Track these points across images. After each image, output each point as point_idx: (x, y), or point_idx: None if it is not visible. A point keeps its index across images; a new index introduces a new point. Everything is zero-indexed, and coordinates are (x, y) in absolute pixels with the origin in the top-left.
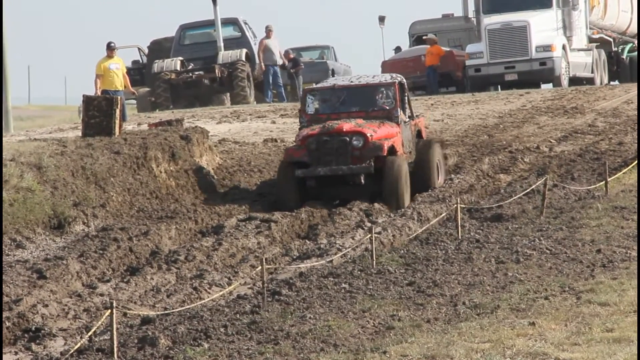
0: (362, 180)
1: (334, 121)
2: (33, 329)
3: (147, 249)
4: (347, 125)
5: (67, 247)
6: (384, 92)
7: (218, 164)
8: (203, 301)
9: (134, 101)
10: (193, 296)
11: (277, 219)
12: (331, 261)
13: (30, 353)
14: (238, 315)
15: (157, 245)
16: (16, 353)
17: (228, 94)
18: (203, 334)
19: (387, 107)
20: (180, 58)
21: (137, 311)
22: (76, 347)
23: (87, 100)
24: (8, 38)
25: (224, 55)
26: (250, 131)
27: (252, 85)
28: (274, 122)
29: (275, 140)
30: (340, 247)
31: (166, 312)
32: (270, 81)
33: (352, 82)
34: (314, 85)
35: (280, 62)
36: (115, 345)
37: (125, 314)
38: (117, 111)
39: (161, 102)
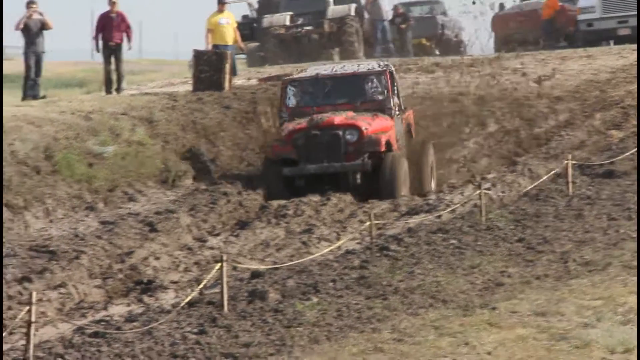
0: (359, 180)
1: (322, 114)
2: (145, 281)
3: (257, 203)
4: (339, 118)
5: (177, 200)
6: (374, 81)
7: None
8: (312, 256)
9: (244, 56)
10: (302, 250)
11: None
12: (440, 217)
13: (142, 305)
14: (347, 270)
15: (266, 199)
16: (128, 305)
17: (337, 49)
18: (312, 288)
19: (379, 98)
20: (290, 13)
21: (247, 265)
22: (187, 299)
23: (198, 55)
24: None
25: (333, 10)
26: None
27: (361, 41)
28: None
29: None
30: (449, 203)
31: (275, 266)
32: (379, 37)
33: (337, 71)
34: (294, 75)
35: (389, 17)
36: (225, 298)
37: (235, 268)
38: (227, 66)
39: (270, 57)
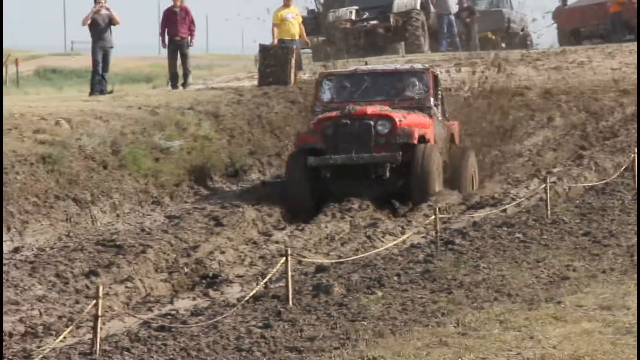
0: (387, 173)
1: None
2: (210, 275)
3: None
4: (372, 108)
5: (243, 194)
6: (415, 80)
7: None
8: (376, 250)
9: (309, 50)
10: (367, 245)
11: None
12: (505, 210)
13: (207, 299)
14: (411, 264)
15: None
16: (194, 299)
17: (402, 43)
18: (377, 282)
19: (418, 97)
20: (355, 7)
21: (312, 259)
22: (252, 293)
23: (263, 50)
24: None
25: (399, 4)
26: None
27: (426, 34)
28: (447, 72)
29: (450, 90)
30: (515, 197)
31: (340, 260)
32: (445, 30)
33: (377, 68)
34: (332, 70)
35: (454, 10)
36: (290, 292)
37: (300, 262)
38: (293, 60)
39: (336, 51)
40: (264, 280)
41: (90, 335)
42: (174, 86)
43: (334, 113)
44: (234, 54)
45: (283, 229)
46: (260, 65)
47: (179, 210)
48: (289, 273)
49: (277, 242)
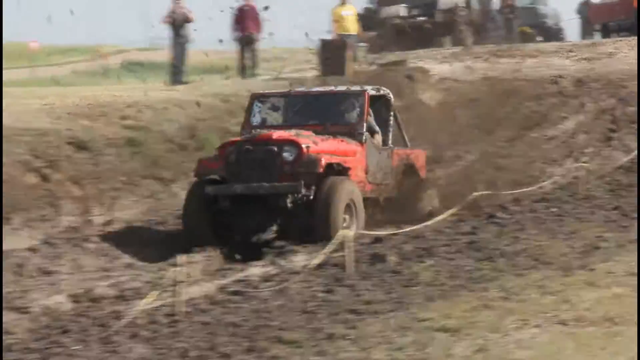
0: (289, 204)
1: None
2: (279, 245)
3: None
4: (278, 133)
5: None
6: (351, 103)
7: (439, 100)
8: (426, 223)
9: (364, 44)
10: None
11: None
12: (542, 187)
13: (276, 266)
14: (458, 236)
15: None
16: (264, 266)
17: (447, 37)
18: (426, 252)
19: (350, 121)
20: (405, 4)
21: (369, 231)
22: (315, 261)
23: (324, 44)
24: None
25: (445, 2)
26: (468, 71)
27: (469, 30)
28: (490, 62)
29: (490, 79)
30: (551, 175)
31: (394, 232)
32: (490, 25)
33: (311, 89)
34: (264, 91)
35: (497, 7)
36: (349, 260)
37: (361, 235)
38: (349, 53)
39: (388, 45)
40: (327, 250)
41: (172, 299)
42: (244, 77)
43: (238, 138)
44: (297, 47)
45: None
46: (320, 58)
47: None
48: (349, 243)
49: None
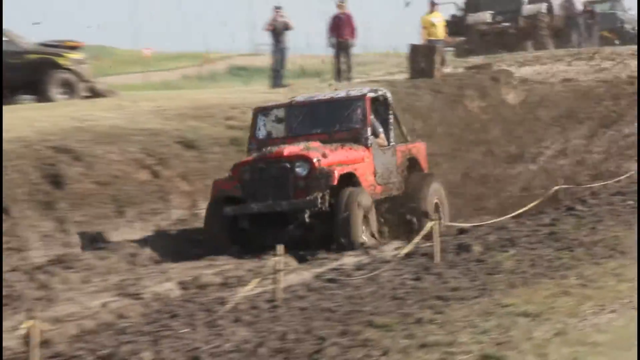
0: (307, 219)
1: (273, 146)
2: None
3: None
4: (289, 149)
5: None
6: (352, 108)
7: (521, 100)
8: (508, 215)
9: (452, 49)
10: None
11: None
12: (619, 181)
13: (368, 256)
14: (539, 227)
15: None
16: (357, 256)
17: (530, 42)
18: (509, 242)
19: (355, 127)
20: (491, 11)
21: (455, 223)
22: (405, 251)
23: (413, 49)
24: None
25: (527, 8)
26: (549, 73)
27: (551, 35)
28: (569, 65)
29: (570, 80)
30: (627, 170)
31: (478, 224)
32: (572, 31)
33: (313, 97)
34: (267, 104)
35: (579, 13)
36: (436, 250)
37: (445, 226)
38: (437, 57)
39: (474, 50)
40: (415, 241)
41: (272, 286)
42: (339, 80)
43: (251, 157)
44: (389, 51)
45: None
46: (410, 62)
47: None
48: (436, 234)
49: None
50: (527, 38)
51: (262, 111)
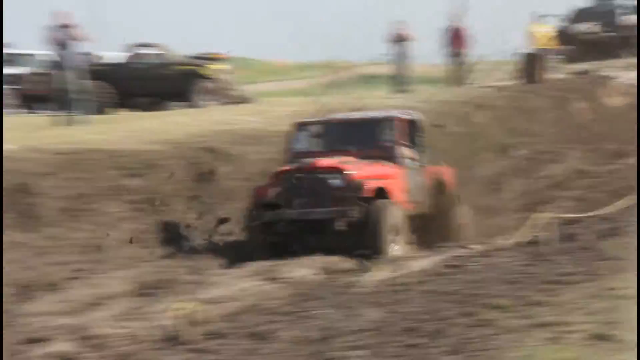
0: (339, 227)
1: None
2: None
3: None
4: (325, 161)
5: (507, 166)
6: (386, 128)
7: (622, 103)
8: (615, 207)
9: (558, 56)
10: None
11: None
12: None
13: (486, 244)
14: None
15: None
16: (475, 244)
17: (625, 50)
18: (615, 231)
19: (386, 145)
20: (592, 23)
21: (564, 215)
22: (519, 240)
23: (523, 56)
24: None
25: (623, 19)
26: None
27: None
28: None
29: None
30: None
31: (586, 215)
32: None
33: (349, 117)
34: (305, 119)
35: None
36: (548, 239)
37: (555, 218)
38: (544, 64)
39: (578, 57)
40: (528, 231)
41: (401, 271)
42: (457, 85)
43: (289, 166)
44: (501, 59)
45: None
46: (519, 69)
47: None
48: (548, 226)
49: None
50: (623, 47)
51: (301, 126)
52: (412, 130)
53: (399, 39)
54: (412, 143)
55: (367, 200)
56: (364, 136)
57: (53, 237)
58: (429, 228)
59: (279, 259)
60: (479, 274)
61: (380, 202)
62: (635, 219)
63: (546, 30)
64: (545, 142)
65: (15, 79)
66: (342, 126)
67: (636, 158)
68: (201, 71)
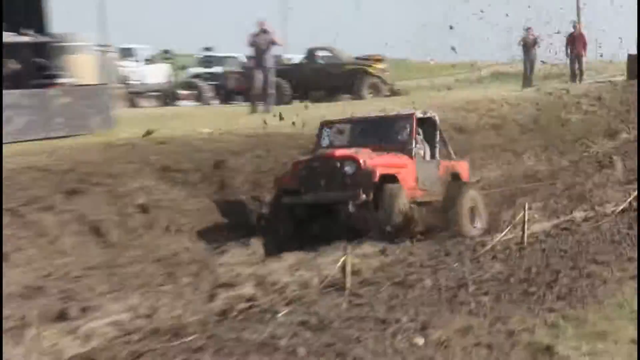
0: (351, 209)
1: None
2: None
3: None
4: (340, 151)
5: (615, 148)
6: (401, 125)
7: None
8: None
9: None
10: None
11: None
12: None
13: (593, 211)
14: None
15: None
16: (585, 210)
17: None
18: None
19: (401, 139)
20: None
21: None
22: (620, 208)
23: (630, 57)
24: None
25: None
26: None
27: None
28: None
29: None
30: None
31: None
32: None
33: (369, 115)
34: (331, 119)
35: None
36: None
37: None
38: None
39: None
40: (629, 200)
41: (520, 233)
42: (573, 81)
43: (307, 157)
44: (615, 60)
45: None
46: (628, 67)
47: (576, 157)
48: None
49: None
50: None
51: (326, 124)
52: (427, 127)
53: (528, 43)
54: (427, 138)
55: (378, 185)
56: (382, 133)
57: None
58: (439, 212)
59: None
60: (587, 236)
61: (390, 186)
62: None
63: None
64: None
65: (214, 76)
66: (363, 124)
67: None
68: (367, 69)
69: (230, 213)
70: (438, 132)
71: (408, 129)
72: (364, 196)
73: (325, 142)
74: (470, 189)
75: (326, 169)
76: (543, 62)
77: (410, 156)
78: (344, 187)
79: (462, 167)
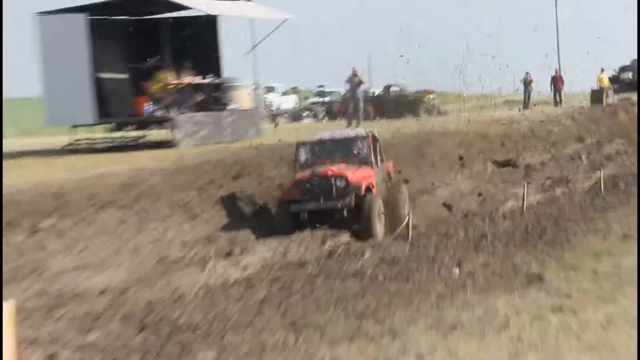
0: (345, 214)
1: (322, 166)
2: None
3: None
4: (332, 169)
5: (583, 148)
6: (360, 142)
7: None
8: None
9: (612, 91)
10: None
11: None
12: None
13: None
14: None
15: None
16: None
17: None
18: None
19: (363, 154)
20: (630, 72)
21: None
22: (586, 185)
23: (593, 91)
24: None
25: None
26: None
27: None
28: None
29: None
30: None
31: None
32: None
33: (334, 136)
34: (305, 140)
35: None
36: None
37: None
38: (605, 95)
39: (622, 91)
40: (593, 181)
41: (521, 202)
42: (556, 106)
43: (307, 173)
44: (581, 92)
45: None
46: (591, 97)
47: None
48: None
49: None
50: None
51: (302, 144)
52: (374, 142)
53: (526, 81)
54: (375, 150)
55: (361, 195)
56: (347, 149)
57: None
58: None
59: None
60: (563, 204)
61: (371, 196)
62: None
63: (606, 76)
64: (604, 135)
65: (325, 103)
66: (331, 143)
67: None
68: (422, 98)
69: None
70: (378, 144)
71: (367, 146)
72: (352, 204)
73: (302, 158)
74: (402, 186)
75: (323, 183)
76: (538, 92)
77: (372, 167)
78: (337, 198)
79: (390, 167)
